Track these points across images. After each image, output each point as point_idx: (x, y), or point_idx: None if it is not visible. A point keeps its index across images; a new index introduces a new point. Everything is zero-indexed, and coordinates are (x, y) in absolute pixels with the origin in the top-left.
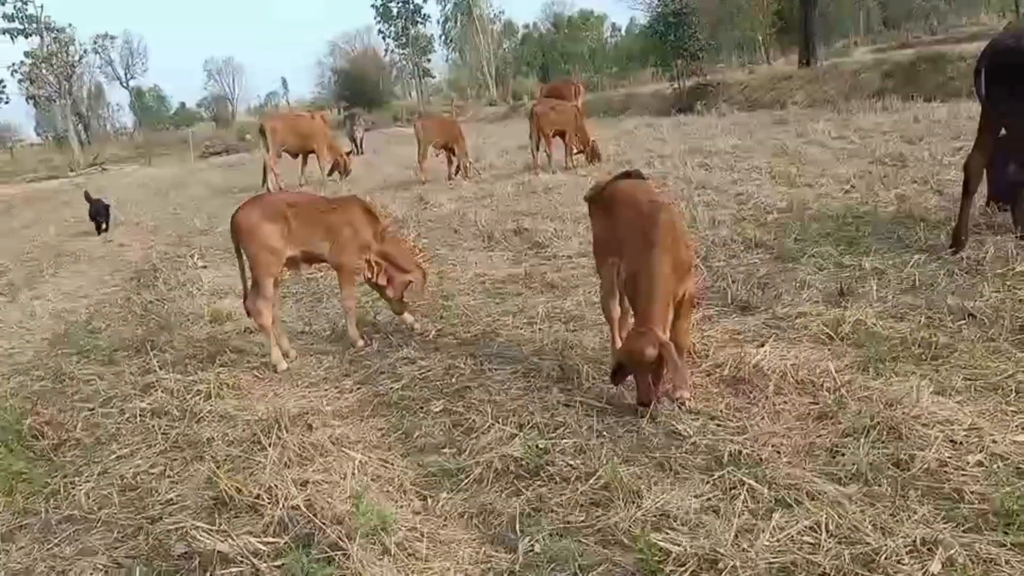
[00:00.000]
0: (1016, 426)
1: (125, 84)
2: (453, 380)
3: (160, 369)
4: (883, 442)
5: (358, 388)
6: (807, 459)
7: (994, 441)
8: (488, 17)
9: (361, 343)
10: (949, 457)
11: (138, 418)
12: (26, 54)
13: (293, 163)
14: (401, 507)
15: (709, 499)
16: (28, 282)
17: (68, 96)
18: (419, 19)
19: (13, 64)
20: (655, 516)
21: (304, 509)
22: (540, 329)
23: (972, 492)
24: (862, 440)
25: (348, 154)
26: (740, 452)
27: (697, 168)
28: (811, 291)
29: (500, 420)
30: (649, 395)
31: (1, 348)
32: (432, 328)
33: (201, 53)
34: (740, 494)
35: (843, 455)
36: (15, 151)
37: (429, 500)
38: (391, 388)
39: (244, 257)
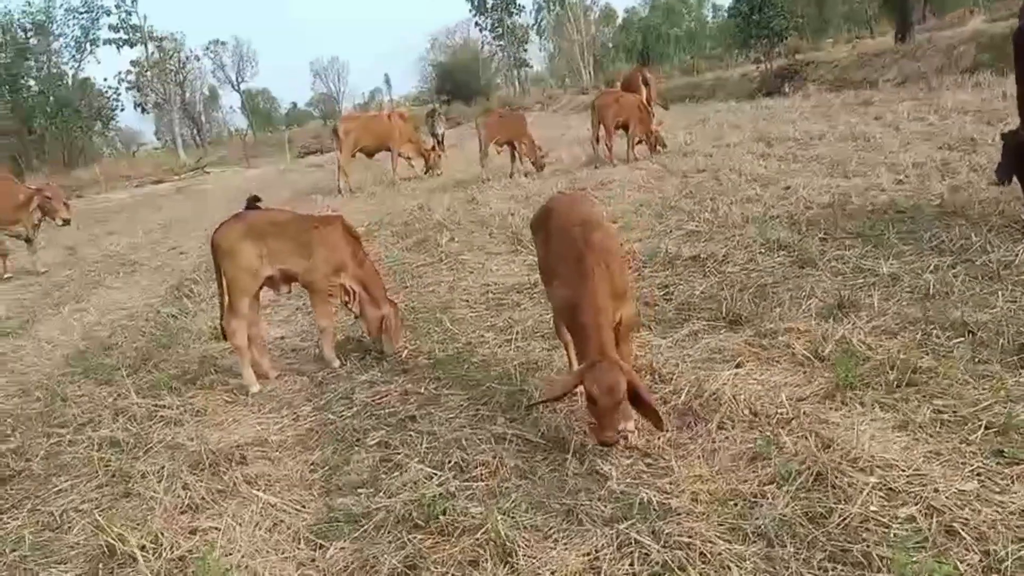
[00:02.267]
0: (969, 472)
1: (236, 87)
2: (402, 408)
3: (136, 394)
4: (807, 491)
5: (314, 415)
6: (721, 509)
7: (936, 491)
8: (583, 4)
9: (337, 363)
10: (876, 511)
11: (95, 448)
12: (132, 63)
13: (371, 162)
14: (286, 559)
15: (596, 559)
16: (79, 294)
17: (179, 101)
18: (514, 9)
19: (120, 73)
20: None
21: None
22: (517, 347)
23: (881, 559)
24: (784, 488)
25: (432, 149)
26: (652, 501)
27: (755, 159)
28: (811, 302)
29: (428, 457)
30: (613, 434)
31: (24, 364)
32: (404, 349)
33: (308, 54)
34: (631, 553)
35: (761, 506)
36: (137, 156)
37: (320, 551)
38: (341, 416)
39: (222, 276)
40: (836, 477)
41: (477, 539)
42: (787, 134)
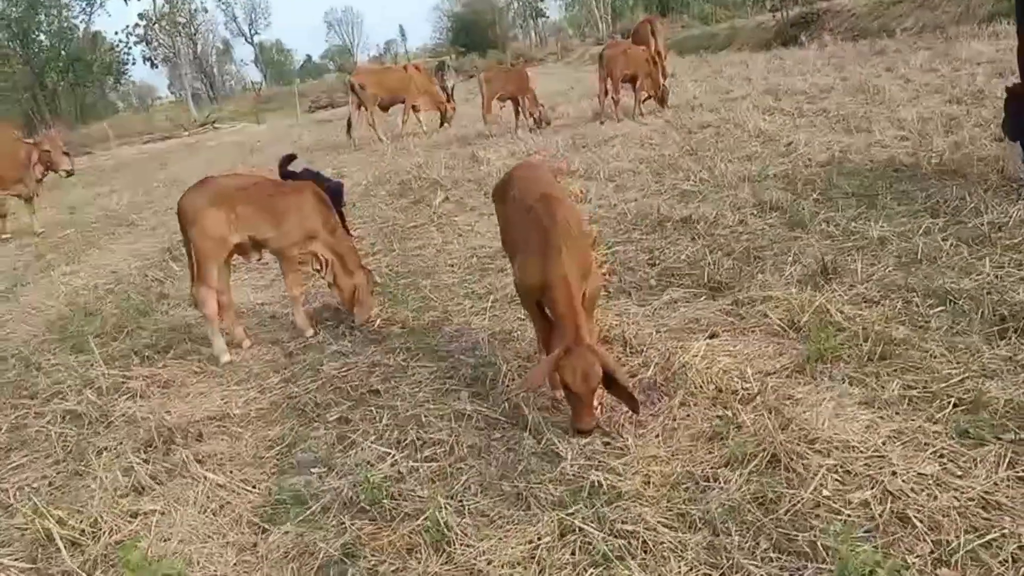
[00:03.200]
0: (931, 454)
1: (249, 40)
2: (367, 381)
3: (105, 364)
4: (760, 474)
5: (280, 386)
6: (671, 494)
7: (894, 474)
8: None
9: (310, 332)
10: (829, 496)
11: (58, 421)
12: (140, 16)
13: (390, 116)
14: (226, 544)
15: (537, 547)
16: (72, 256)
17: (191, 55)
18: None
19: (127, 27)
20: (463, 571)
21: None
22: (493, 316)
23: (826, 549)
24: (738, 471)
25: (448, 101)
26: (602, 484)
27: (761, 113)
28: (795, 268)
29: (385, 434)
30: (591, 420)
31: (5, 330)
32: (378, 318)
33: (322, 5)
34: (573, 541)
35: (712, 490)
36: (151, 110)
37: (262, 535)
38: (306, 389)
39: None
40: (791, 459)
41: (416, 526)
42: (797, 87)
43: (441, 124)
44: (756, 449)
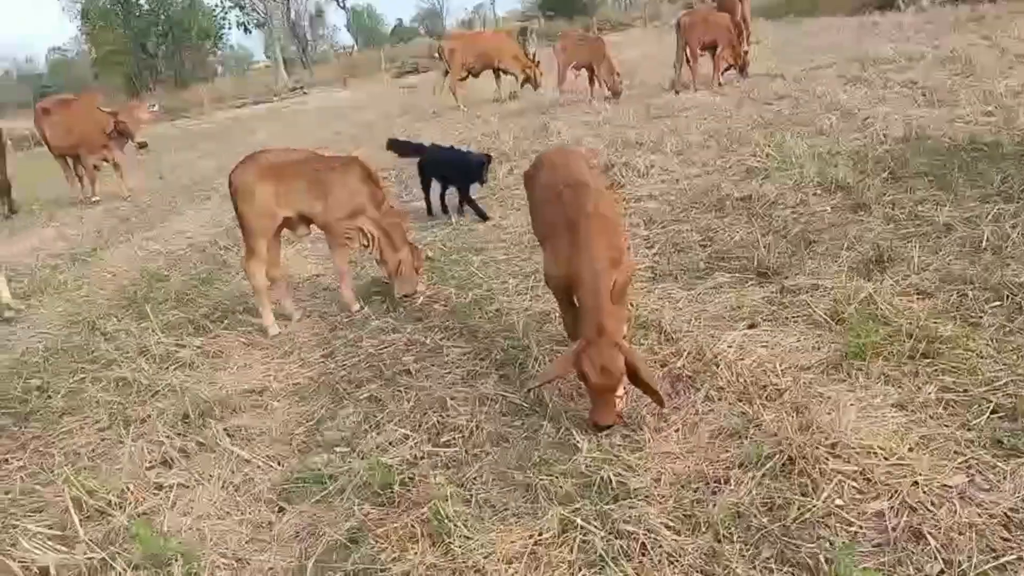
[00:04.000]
0: (960, 463)
1: (342, 4)
2: (402, 360)
3: (162, 332)
4: (774, 477)
5: (320, 362)
6: (680, 493)
7: (916, 484)
8: None
9: (356, 307)
10: (842, 505)
11: (111, 388)
12: None
13: (480, 82)
14: (241, 522)
15: (537, 543)
16: (153, 221)
17: (284, 20)
18: None
19: None
20: (459, 564)
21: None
22: (536, 296)
23: (828, 563)
24: (750, 473)
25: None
26: (611, 480)
27: (843, 84)
28: (850, 254)
29: (409, 416)
30: (611, 416)
31: (81, 293)
32: (421, 295)
33: None
34: (573, 539)
35: (722, 492)
36: (247, 75)
37: (278, 514)
38: (343, 365)
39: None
40: (808, 464)
41: (420, 515)
42: (885, 55)
43: (523, 84)
44: (773, 450)
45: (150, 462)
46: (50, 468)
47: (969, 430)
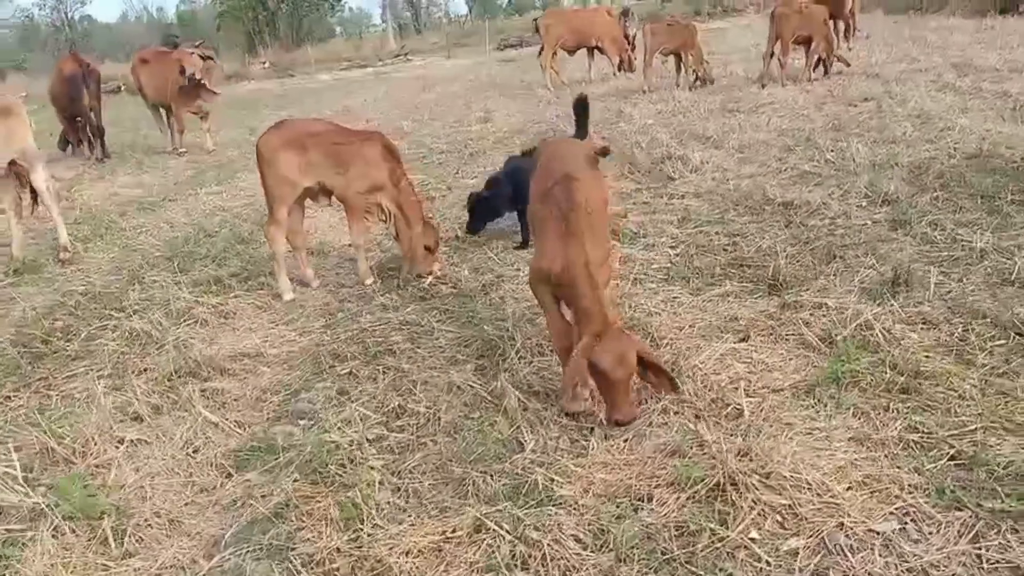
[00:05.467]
0: (896, 509)
1: None
2: (391, 338)
3: (187, 287)
4: (698, 501)
5: (319, 332)
6: (603, 507)
7: (841, 526)
8: None
9: (369, 280)
10: (756, 539)
11: (124, 338)
12: None
13: (575, 60)
14: (186, 484)
15: (448, 540)
16: (223, 177)
17: None
18: None
19: None
20: (363, 552)
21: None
22: None
23: None
24: (676, 495)
25: (632, 49)
26: (539, 484)
27: (934, 90)
28: (868, 274)
29: (376, 396)
30: (632, 410)
31: (136, 241)
32: (431, 274)
33: None
34: (482, 540)
35: (642, 510)
36: (362, 37)
37: (225, 479)
38: (337, 337)
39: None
40: (737, 491)
41: (343, 499)
42: (988, 63)
43: (619, 68)
44: (704, 473)
45: (123, 416)
46: (41, 410)
47: (920, 474)
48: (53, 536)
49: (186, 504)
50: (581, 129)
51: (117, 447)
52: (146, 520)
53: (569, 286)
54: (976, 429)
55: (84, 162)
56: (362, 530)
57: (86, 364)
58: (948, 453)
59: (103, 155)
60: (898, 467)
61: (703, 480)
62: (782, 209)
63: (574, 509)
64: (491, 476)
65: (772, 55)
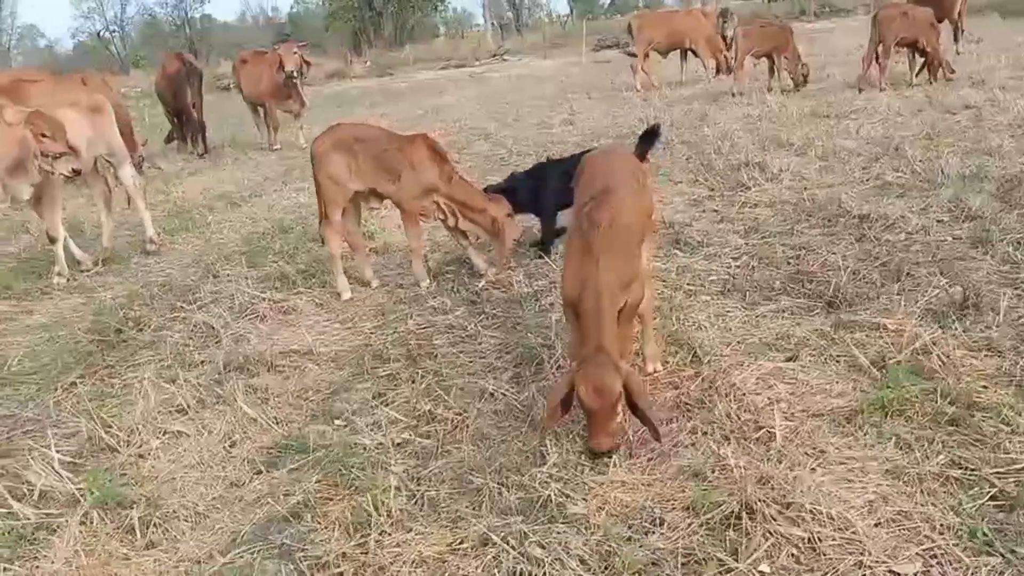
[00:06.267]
0: (923, 550)
1: None
2: (433, 342)
3: (252, 282)
4: (711, 529)
5: (370, 332)
6: (614, 529)
7: (859, 564)
8: None
9: (426, 282)
10: (767, 572)
11: (188, 330)
12: None
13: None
14: (218, 477)
15: (455, 552)
16: (307, 174)
17: None
18: None
19: None
20: (368, 559)
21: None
22: None
23: None
24: (688, 521)
25: (729, 49)
26: (552, 500)
27: None
28: (936, 294)
29: (411, 400)
30: (607, 442)
31: (219, 235)
32: (486, 278)
33: None
34: (486, 555)
35: (653, 534)
36: (465, 37)
37: (255, 476)
38: (385, 339)
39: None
40: (752, 520)
41: (356, 503)
42: None
43: (717, 73)
44: (722, 499)
45: (169, 407)
46: (102, 396)
47: (956, 514)
48: (82, 523)
49: (214, 498)
50: (639, 150)
51: (159, 438)
52: (174, 512)
53: (580, 309)
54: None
55: (186, 157)
56: (369, 537)
57: (150, 354)
58: (989, 492)
59: (204, 151)
60: (933, 504)
61: (719, 506)
62: (856, 222)
63: (584, 528)
64: (507, 488)
65: (872, 59)
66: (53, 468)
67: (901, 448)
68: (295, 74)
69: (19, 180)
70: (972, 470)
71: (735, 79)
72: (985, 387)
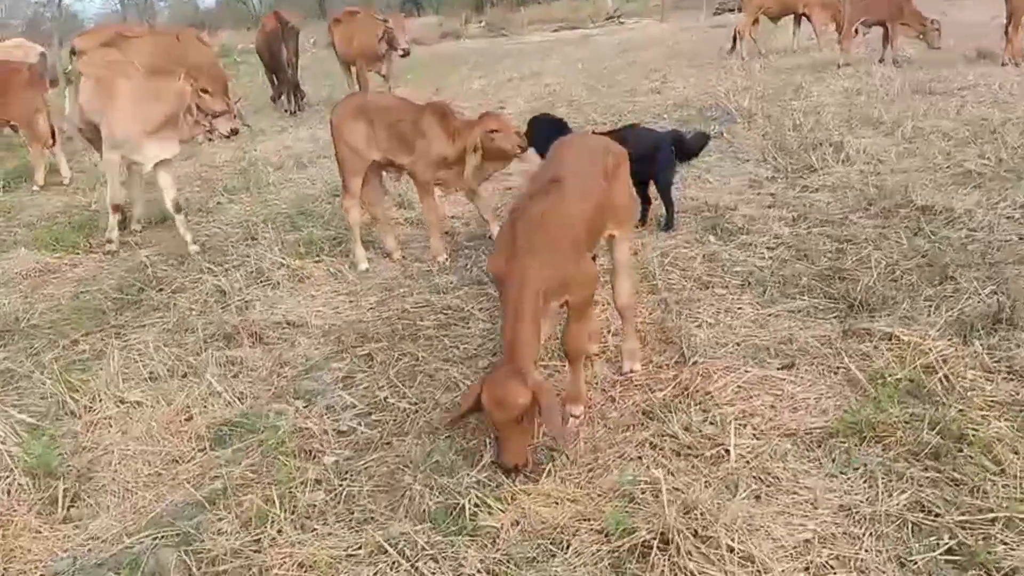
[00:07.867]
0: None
1: None
2: (422, 323)
3: (278, 249)
4: (618, 556)
5: (369, 308)
6: (520, 547)
7: None
8: None
9: (443, 257)
10: None
11: (201, 294)
12: None
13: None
14: (165, 451)
15: (349, 557)
16: None
17: None
18: None
19: None
20: (255, 559)
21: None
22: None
23: None
24: (596, 546)
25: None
26: (465, 509)
27: None
28: (971, 303)
29: (379, 384)
30: (518, 457)
31: (268, 200)
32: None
33: None
34: (374, 564)
35: (558, 559)
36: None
37: (200, 453)
38: (379, 316)
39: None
40: (664, 552)
41: (268, 495)
42: None
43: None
44: (639, 524)
45: (141, 376)
46: (85, 360)
47: (901, 564)
48: (7, 491)
49: (149, 475)
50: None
51: (118, 406)
52: (103, 486)
53: (502, 304)
54: (996, 519)
55: (282, 115)
56: (268, 533)
57: (159, 316)
58: (947, 544)
59: (297, 108)
60: (879, 551)
61: (632, 533)
62: (918, 214)
63: (491, 543)
64: (431, 490)
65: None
66: (10, 429)
67: (865, 480)
68: (397, 45)
69: (165, 138)
70: (936, 515)
71: (841, 49)
72: (985, 417)
